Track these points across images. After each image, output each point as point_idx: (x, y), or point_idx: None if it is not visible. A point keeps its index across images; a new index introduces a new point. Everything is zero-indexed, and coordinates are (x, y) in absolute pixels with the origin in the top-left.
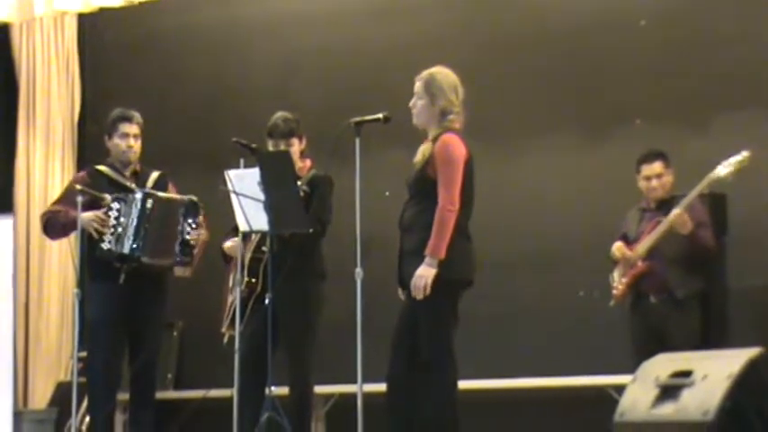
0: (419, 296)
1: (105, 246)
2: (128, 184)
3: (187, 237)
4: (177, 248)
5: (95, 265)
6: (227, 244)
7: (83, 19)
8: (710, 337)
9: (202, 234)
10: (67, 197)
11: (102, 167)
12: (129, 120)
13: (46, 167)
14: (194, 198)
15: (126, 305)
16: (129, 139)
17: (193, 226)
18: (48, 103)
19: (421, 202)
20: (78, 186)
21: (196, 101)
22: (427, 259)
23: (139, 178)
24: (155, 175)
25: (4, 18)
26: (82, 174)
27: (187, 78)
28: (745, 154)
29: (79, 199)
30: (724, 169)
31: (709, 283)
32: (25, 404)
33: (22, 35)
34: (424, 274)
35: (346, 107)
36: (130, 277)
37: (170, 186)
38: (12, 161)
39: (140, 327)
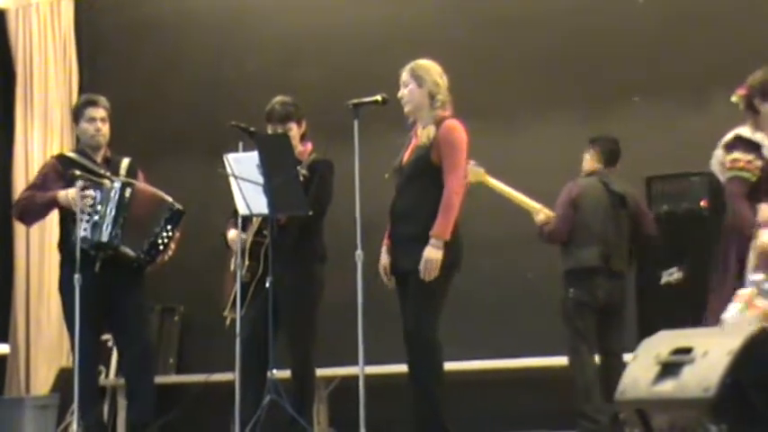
0: (428, 278)
1: (81, 233)
2: (100, 170)
3: (158, 240)
4: (146, 246)
5: (70, 253)
6: (230, 236)
7: (79, 4)
8: None
9: (170, 252)
10: (39, 183)
11: (71, 154)
12: (94, 104)
13: (44, 154)
14: (182, 208)
15: (101, 294)
16: (96, 123)
17: (170, 234)
18: (45, 90)
19: (421, 188)
20: (77, 172)
21: (195, 85)
22: (433, 241)
23: (110, 165)
24: (125, 162)
25: (0, 4)
26: (52, 161)
27: (186, 62)
28: None
29: (79, 184)
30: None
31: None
32: (27, 390)
33: (19, 21)
34: (434, 256)
35: (345, 90)
36: (106, 265)
37: (139, 174)
38: (10, 148)
39: (121, 316)
